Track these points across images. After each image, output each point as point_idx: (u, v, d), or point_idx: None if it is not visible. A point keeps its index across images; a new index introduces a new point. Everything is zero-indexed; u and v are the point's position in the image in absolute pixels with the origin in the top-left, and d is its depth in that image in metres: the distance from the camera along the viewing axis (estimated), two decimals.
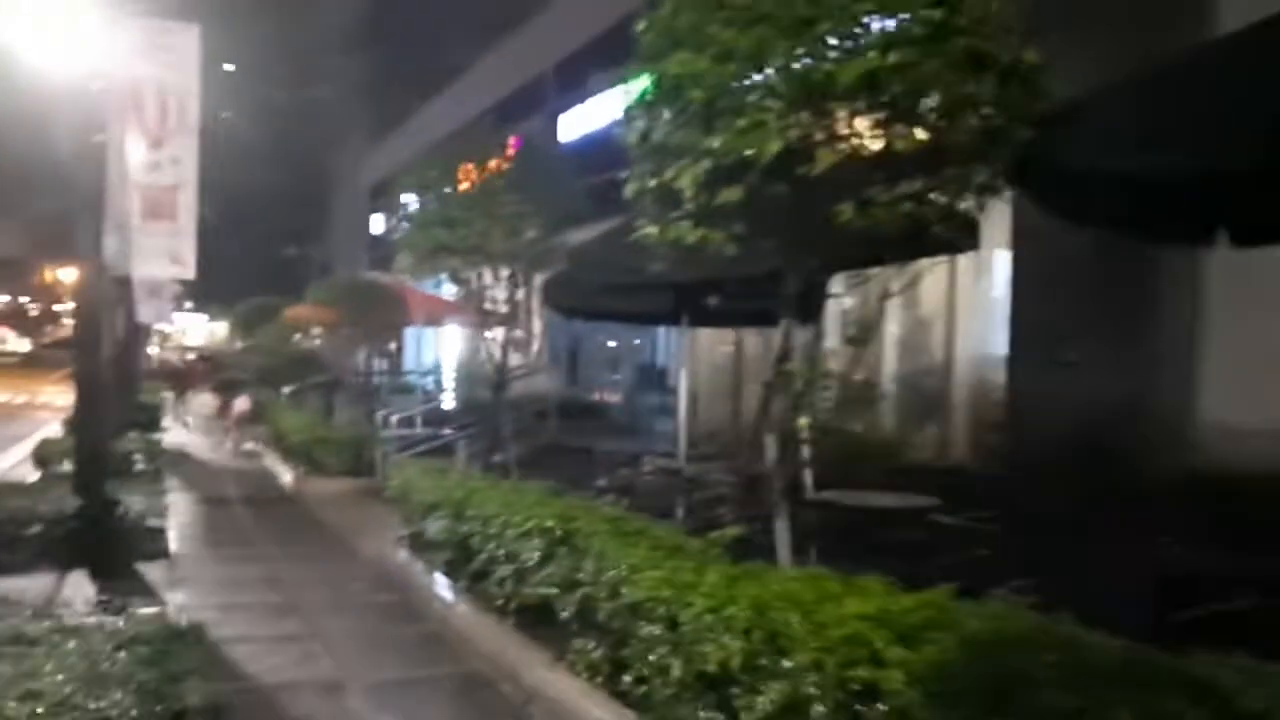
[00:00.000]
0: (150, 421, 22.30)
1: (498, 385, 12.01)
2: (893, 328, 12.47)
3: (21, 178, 20.11)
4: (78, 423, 11.28)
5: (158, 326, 34.82)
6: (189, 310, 76.16)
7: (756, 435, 6.04)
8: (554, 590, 6.24)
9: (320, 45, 41.58)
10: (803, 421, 6.20)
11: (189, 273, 16.48)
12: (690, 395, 15.66)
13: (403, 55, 36.99)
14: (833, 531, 7.25)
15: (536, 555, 6.56)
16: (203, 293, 48.71)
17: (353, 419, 18.84)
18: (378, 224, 38.09)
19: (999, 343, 10.64)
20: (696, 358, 15.44)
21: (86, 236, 11.16)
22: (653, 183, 5.27)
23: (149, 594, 8.11)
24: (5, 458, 16.85)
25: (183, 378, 34.34)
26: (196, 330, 78.74)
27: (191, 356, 57.52)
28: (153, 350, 65.97)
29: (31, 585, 7.53)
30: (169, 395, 25.99)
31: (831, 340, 13.18)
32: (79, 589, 7.73)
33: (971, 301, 12.37)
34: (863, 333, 7.01)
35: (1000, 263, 11.03)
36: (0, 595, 5.93)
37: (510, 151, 12.03)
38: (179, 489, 15.35)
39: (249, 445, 20.48)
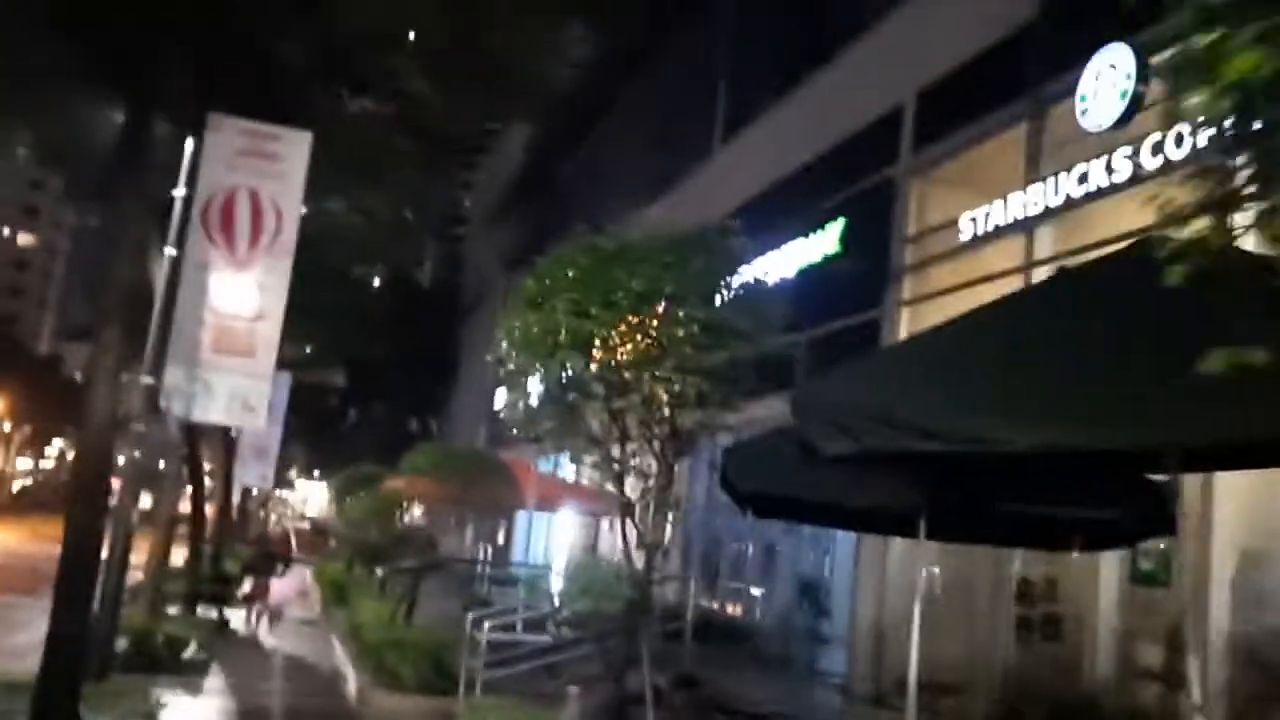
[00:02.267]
0: (224, 596, 19.80)
1: (635, 600, 9.23)
2: (1224, 551, 8.39)
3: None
4: (57, 605, 8.39)
5: (259, 488, 32.54)
6: (315, 478, 75.66)
7: None
8: None
9: (460, 210, 40.78)
10: None
11: (259, 420, 13.98)
12: (872, 625, 12.07)
13: (552, 218, 35.58)
14: None
15: None
16: (329, 460, 47.20)
17: (442, 615, 15.62)
18: (500, 400, 35.84)
19: None
20: (882, 575, 11.87)
21: (141, 368, 9.01)
22: None
23: None
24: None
25: (284, 547, 31.92)
26: (316, 499, 77.84)
27: (303, 525, 55.84)
28: (273, 517, 64.90)
29: None
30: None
31: (1108, 574, 9.67)
32: None
33: None
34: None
35: None
36: None
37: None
38: (219, 691, 12.35)
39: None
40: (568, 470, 25.03)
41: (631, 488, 10.23)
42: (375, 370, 41.63)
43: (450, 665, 12.49)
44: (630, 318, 8.72)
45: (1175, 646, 7.89)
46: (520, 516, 27.38)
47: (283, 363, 30.59)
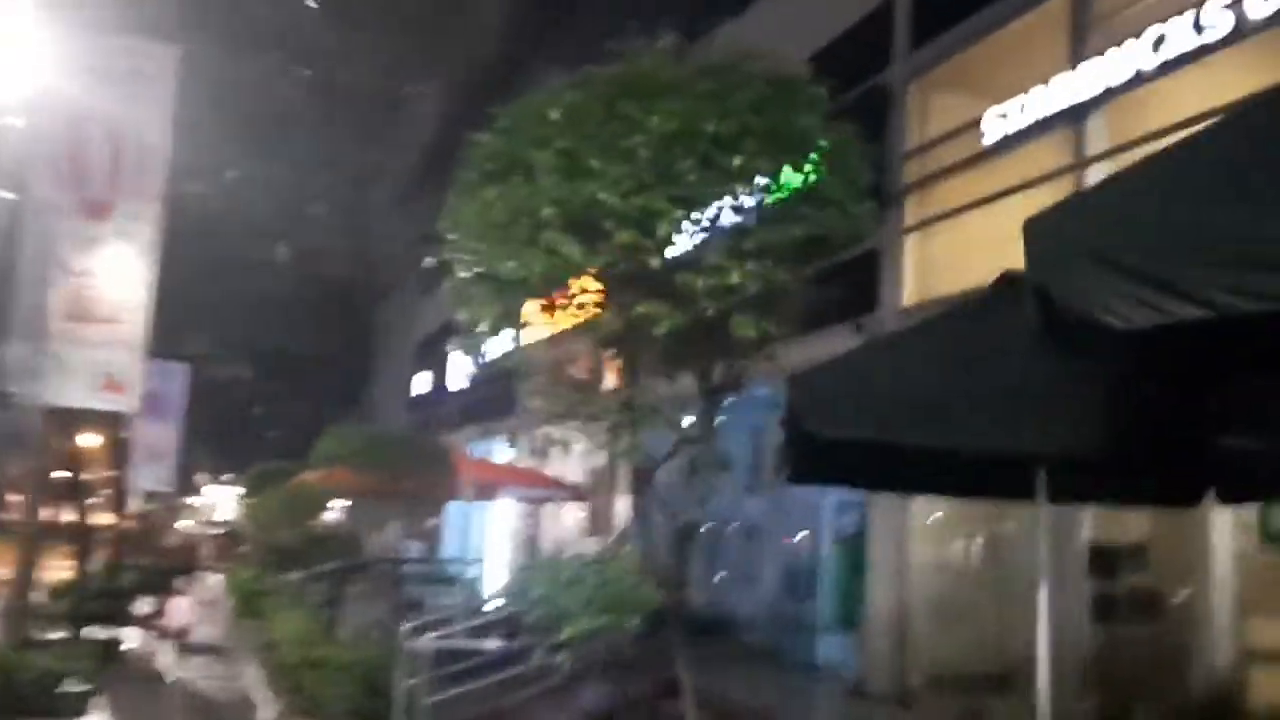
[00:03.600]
0: (115, 616, 17.31)
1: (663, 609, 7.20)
2: None
3: None
4: None
5: (157, 491, 29.79)
6: (225, 480, 71.80)
7: None
8: None
9: (368, 192, 38.08)
10: None
11: (131, 402, 11.60)
12: (894, 613, 10.17)
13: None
14: None
15: None
16: (239, 461, 44.24)
17: (371, 624, 13.43)
18: (422, 383, 33.31)
19: None
20: (902, 551, 9.97)
21: None
22: None
23: None
24: None
25: (188, 557, 29.30)
26: (228, 503, 73.87)
27: (216, 531, 52.57)
28: (183, 525, 61.45)
29: None
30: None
31: (1222, 535, 7.77)
32: None
33: None
34: None
35: None
36: None
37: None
38: None
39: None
40: (502, 455, 22.85)
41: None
42: (285, 361, 38.90)
43: (384, 685, 10.32)
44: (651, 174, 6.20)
45: None
46: (449, 509, 25.09)
47: (181, 355, 27.85)
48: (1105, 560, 7.85)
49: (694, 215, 6.26)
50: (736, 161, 6.06)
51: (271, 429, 44.75)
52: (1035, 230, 2.31)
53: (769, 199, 6.34)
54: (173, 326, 28.43)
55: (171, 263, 23.96)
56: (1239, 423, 4.87)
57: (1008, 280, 5.14)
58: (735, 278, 6.26)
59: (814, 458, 4.83)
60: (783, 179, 6.37)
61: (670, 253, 6.27)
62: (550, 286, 6.89)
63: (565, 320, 7.31)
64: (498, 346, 8.79)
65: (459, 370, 27.20)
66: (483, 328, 7.60)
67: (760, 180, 6.22)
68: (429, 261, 8.14)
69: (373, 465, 14.31)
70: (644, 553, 7.70)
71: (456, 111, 32.37)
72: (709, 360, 6.88)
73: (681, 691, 9.38)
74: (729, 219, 6.27)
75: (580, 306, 7.04)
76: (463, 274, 7.17)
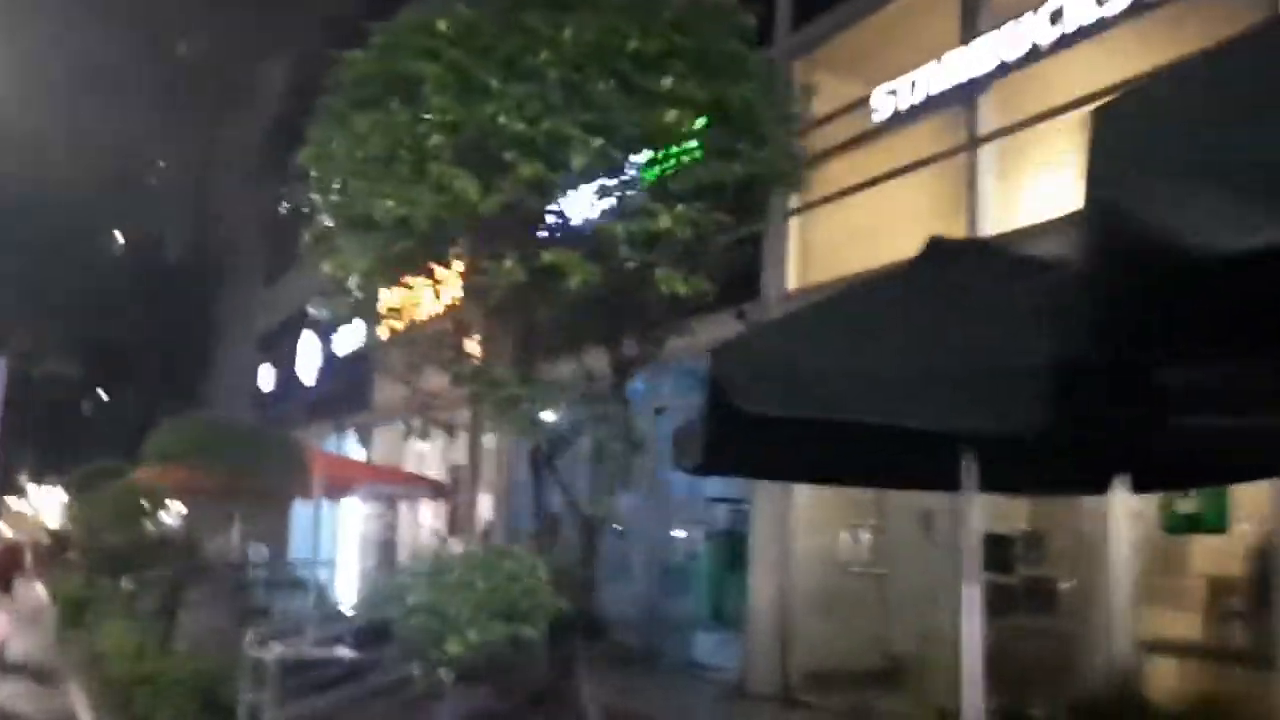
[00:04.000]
0: None
1: (571, 614, 6.46)
2: None
3: None
4: None
5: None
6: (50, 482, 67.33)
7: None
8: None
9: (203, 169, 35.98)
10: None
11: None
12: (776, 609, 9.73)
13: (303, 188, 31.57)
14: None
15: None
16: (66, 461, 41.40)
17: (211, 634, 12.37)
18: (267, 380, 31.66)
19: None
20: (784, 543, 9.56)
21: None
22: None
23: None
24: None
25: (9, 564, 27.16)
26: (54, 506, 69.23)
27: (42, 537, 49.11)
28: (4, 529, 57.41)
29: None
30: None
31: (1120, 523, 7.50)
32: None
33: None
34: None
35: None
36: None
37: None
38: None
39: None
40: (355, 451, 21.79)
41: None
42: (116, 354, 36.55)
43: (226, 700, 9.41)
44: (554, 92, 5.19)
45: (1247, 610, 5.93)
46: (297, 509, 23.80)
47: (2, 348, 25.63)
48: (1000, 551, 7.61)
49: (608, 147, 5.41)
50: (666, 83, 5.35)
51: (101, 426, 42.15)
52: (1107, 125, 1.78)
53: (694, 130, 5.58)
54: None
55: None
56: (1163, 410, 4.56)
57: (937, 246, 4.75)
58: (665, 222, 5.48)
59: (729, 444, 4.31)
60: (711, 108, 5.65)
61: (583, 191, 5.52)
62: (437, 231, 5.86)
63: (450, 280, 6.45)
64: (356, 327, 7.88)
65: (308, 363, 25.90)
66: (353, 284, 6.55)
67: (686, 109, 5.44)
68: (284, 206, 7.04)
69: (213, 461, 13.19)
70: (541, 549, 6.96)
71: (302, 86, 30.85)
72: (619, 326, 6.12)
73: (550, 700, 8.79)
74: (649, 154, 5.52)
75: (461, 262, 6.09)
76: (327, 220, 6.17)
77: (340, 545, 23.16)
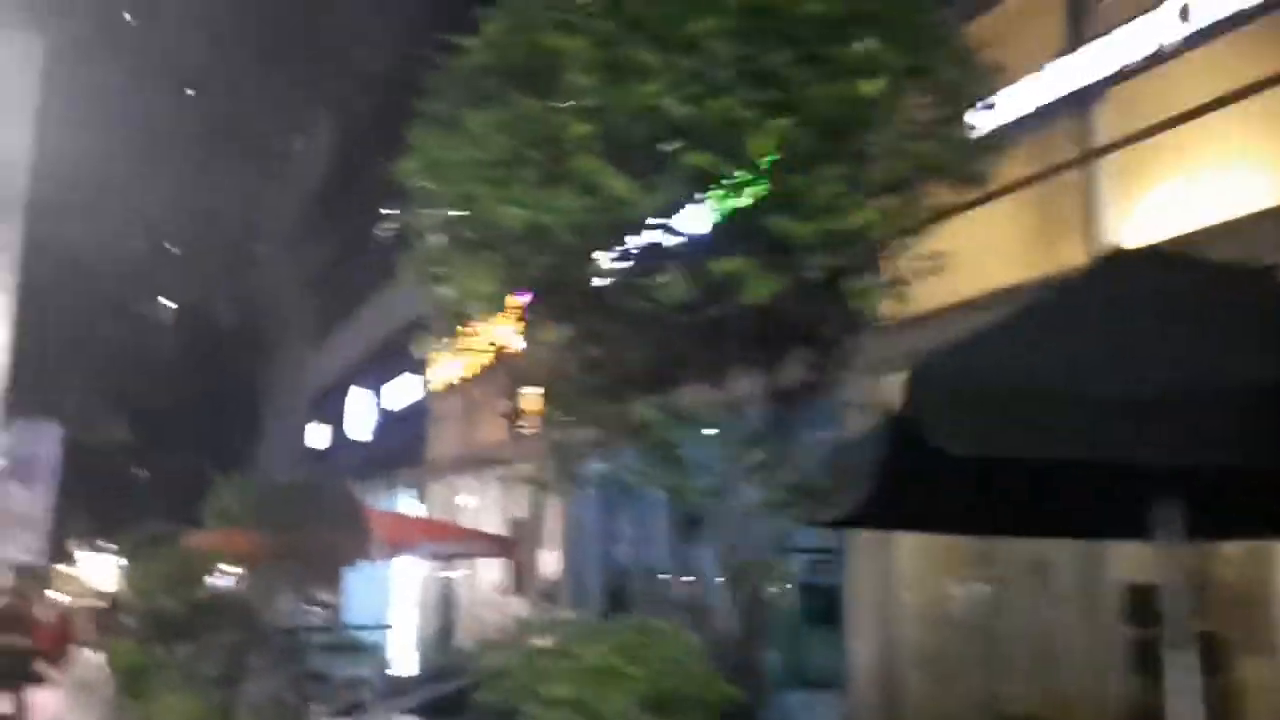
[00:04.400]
0: None
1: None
2: None
3: None
4: None
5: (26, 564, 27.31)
6: (103, 548, 67.22)
7: None
8: None
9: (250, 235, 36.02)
10: None
11: None
12: (881, 667, 9.00)
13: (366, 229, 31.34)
14: None
15: None
16: (117, 526, 41.30)
17: (272, 705, 11.86)
18: (320, 436, 31.34)
19: None
20: (887, 593, 8.87)
21: None
22: None
23: None
24: None
25: (49, 638, 26.74)
26: (108, 572, 69.04)
27: (96, 603, 48.79)
28: (56, 596, 57.11)
29: None
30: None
31: None
32: None
33: None
34: None
35: None
36: None
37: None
38: None
39: None
40: (409, 506, 21.28)
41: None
42: (165, 419, 36.47)
43: None
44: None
45: None
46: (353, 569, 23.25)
47: (50, 413, 25.49)
48: (1143, 603, 6.88)
49: (792, 129, 4.47)
50: (860, 47, 4.60)
51: (153, 491, 42.03)
52: None
53: (892, 105, 4.74)
54: (41, 382, 26.15)
55: (38, 311, 21.87)
56: None
57: (1120, 256, 4.15)
58: (861, 219, 4.68)
59: (898, 491, 3.64)
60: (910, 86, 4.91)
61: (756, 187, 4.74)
62: (585, 239, 4.92)
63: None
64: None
65: (360, 419, 25.55)
66: (472, 308, 5.61)
67: (883, 77, 4.63)
68: (388, 226, 6.11)
69: (273, 521, 12.67)
70: (695, 624, 6.12)
71: (347, 151, 30.84)
72: (783, 348, 5.35)
73: None
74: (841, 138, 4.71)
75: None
76: (437, 237, 5.37)
77: (396, 606, 22.59)
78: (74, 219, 23.83)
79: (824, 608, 10.91)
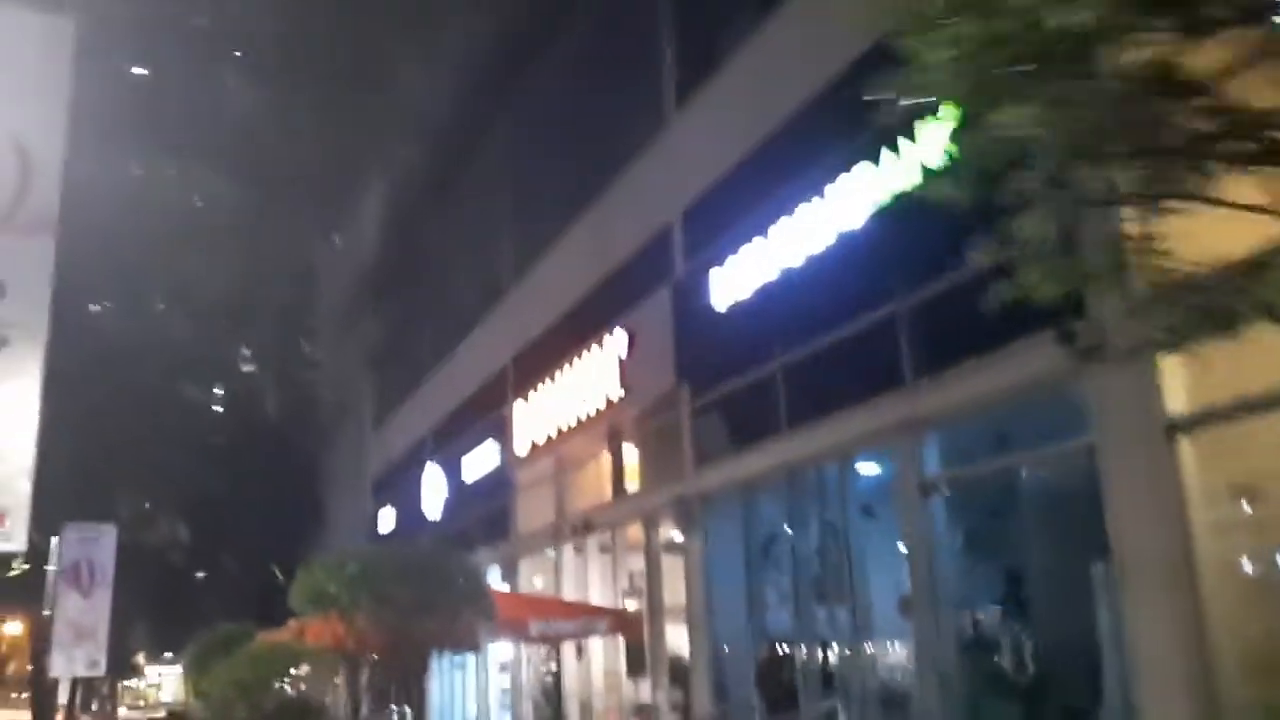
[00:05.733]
0: None
1: None
2: None
3: None
4: None
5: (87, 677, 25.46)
6: (166, 660, 65.67)
7: None
8: None
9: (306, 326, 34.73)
10: None
11: (15, 541, 8.03)
12: None
13: (406, 322, 29.90)
14: None
15: None
16: (180, 634, 39.64)
17: None
18: (386, 521, 29.50)
19: None
20: (1201, 644, 6.76)
21: None
22: None
23: None
24: None
25: None
26: (173, 683, 67.27)
27: (159, 716, 47.17)
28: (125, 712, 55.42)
29: None
30: None
31: None
32: None
33: None
34: None
35: None
36: None
37: None
38: None
39: None
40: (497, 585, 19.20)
41: None
42: (222, 514, 34.82)
43: None
44: None
45: None
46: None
47: (105, 516, 23.78)
48: None
49: None
50: None
51: (215, 590, 40.35)
52: None
53: None
54: (91, 485, 24.60)
55: (87, 412, 20.37)
56: None
57: None
58: None
59: None
60: None
61: None
62: None
63: None
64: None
65: (433, 497, 23.67)
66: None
67: None
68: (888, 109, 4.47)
69: (390, 601, 10.58)
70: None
71: (402, 223, 29.59)
72: None
73: None
74: None
75: None
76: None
77: (482, 699, 20.49)
78: (118, 303, 22.49)
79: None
